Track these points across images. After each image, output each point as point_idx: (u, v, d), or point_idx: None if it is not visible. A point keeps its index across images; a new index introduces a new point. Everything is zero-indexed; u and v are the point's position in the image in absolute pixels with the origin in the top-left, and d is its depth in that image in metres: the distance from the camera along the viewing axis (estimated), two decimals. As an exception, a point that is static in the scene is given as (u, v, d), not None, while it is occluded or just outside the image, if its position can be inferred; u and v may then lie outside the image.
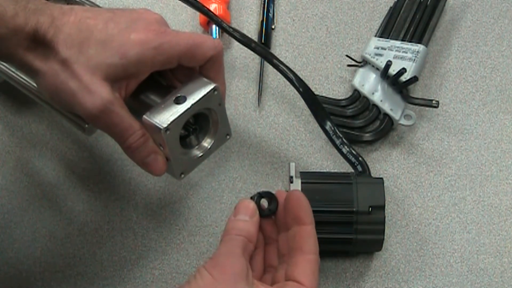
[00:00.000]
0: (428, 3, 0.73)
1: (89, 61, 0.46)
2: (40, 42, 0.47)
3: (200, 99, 0.50)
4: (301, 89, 0.63)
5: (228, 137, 0.54)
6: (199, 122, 0.52)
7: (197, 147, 0.54)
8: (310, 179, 0.60)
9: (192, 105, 0.50)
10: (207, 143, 0.53)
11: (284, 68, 0.63)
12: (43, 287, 0.62)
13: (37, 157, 0.67)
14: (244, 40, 0.65)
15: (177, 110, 0.49)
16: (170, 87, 0.53)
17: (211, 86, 0.51)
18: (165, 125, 0.48)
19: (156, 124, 0.49)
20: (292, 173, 0.59)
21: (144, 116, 0.49)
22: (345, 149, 0.62)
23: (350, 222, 0.58)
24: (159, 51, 0.48)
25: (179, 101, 0.50)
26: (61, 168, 0.67)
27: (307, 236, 0.49)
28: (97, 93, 0.47)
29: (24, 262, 0.63)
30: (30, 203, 0.65)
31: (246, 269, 0.46)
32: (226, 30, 0.65)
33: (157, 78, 0.53)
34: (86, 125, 0.56)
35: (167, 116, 0.49)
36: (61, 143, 0.68)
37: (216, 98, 0.51)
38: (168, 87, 0.53)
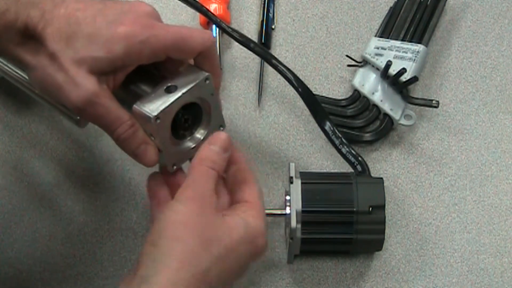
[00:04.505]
0: (428, 3, 0.73)
1: (76, 54, 0.46)
2: (30, 37, 0.47)
3: (191, 88, 0.49)
4: (300, 89, 0.63)
5: (221, 128, 0.53)
6: (192, 112, 0.51)
7: (189, 138, 0.52)
8: (310, 179, 0.60)
9: (183, 93, 0.49)
10: (200, 134, 0.52)
11: (283, 68, 0.63)
12: (43, 287, 0.62)
13: (37, 157, 0.67)
14: (243, 40, 0.64)
15: (167, 99, 0.49)
16: (162, 77, 0.52)
17: (203, 75, 0.50)
18: (155, 114, 0.48)
19: (146, 113, 0.48)
20: (292, 173, 0.59)
21: (134, 106, 0.49)
22: (344, 149, 0.62)
23: (350, 222, 0.58)
24: (145, 45, 0.47)
25: (170, 90, 0.49)
26: (61, 168, 0.67)
27: (246, 169, 0.51)
28: (81, 85, 0.47)
29: (24, 262, 0.63)
30: (30, 203, 0.65)
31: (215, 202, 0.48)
32: (225, 30, 0.65)
33: (149, 68, 0.53)
34: (78, 117, 0.56)
35: (157, 105, 0.48)
36: (61, 143, 0.68)
37: (208, 88, 0.51)
38: (160, 77, 0.52)
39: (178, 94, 0.49)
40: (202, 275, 0.44)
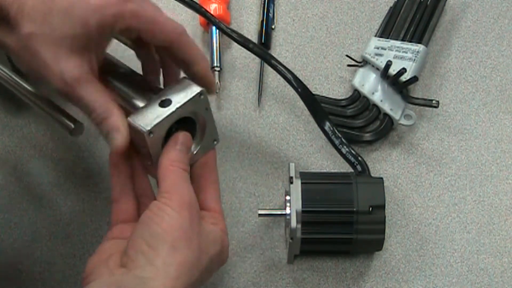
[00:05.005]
0: (428, 3, 0.73)
1: (53, 33, 0.46)
2: (4, 19, 0.46)
3: (185, 102, 0.50)
4: (299, 89, 0.63)
5: (215, 142, 0.54)
6: (185, 126, 0.51)
7: None
8: (310, 179, 0.60)
9: (177, 108, 0.49)
10: (192, 148, 0.52)
11: (282, 69, 0.63)
12: (43, 287, 0.62)
13: (37, 157, 0.67)
14: (242, 41, 0.65)
15: (161, 114, 0.49)
16: (154, 87, 0.53)
17: (197, 90, 0.50)
18: (148, 128, 0.48)
19: (140, 127, 0.48)
20: (292, 173, 0.59)
21: (128, 118, 0.49)
22: (344, 149, 0.62)
23: (350, 222, 0.58)
24: (118, 18, 0.47)
25: (164, 104, 0.49)
26: (61, 168, 0.67)
27: (211, 166, 0.54)
28: (60, 70, 0.46)
29: (24, 262, 0.63)
30: (30, 203, 0.65)
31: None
32: (224, 30, 0.65)
33: (142, 77, 0.54)
34: (73, 126, 0.56)
35: (151, 119, 0.48)
36: (61, 143, 0.68)
37: (202, 102, 0.51)
38: (151, 87, 0.53)
39: (172, 109, 0.49)
40: (193, 285, 0.45)
